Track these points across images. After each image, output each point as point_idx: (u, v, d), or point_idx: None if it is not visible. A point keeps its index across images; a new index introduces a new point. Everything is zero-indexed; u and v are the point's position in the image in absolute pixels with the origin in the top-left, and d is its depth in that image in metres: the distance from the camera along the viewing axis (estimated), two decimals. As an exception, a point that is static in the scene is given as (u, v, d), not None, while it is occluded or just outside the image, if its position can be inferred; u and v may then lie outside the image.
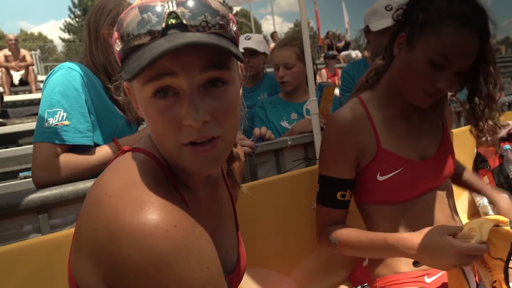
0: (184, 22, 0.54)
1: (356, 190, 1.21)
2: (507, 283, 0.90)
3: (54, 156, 1.19)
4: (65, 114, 1.21)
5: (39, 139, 1.20)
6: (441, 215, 1.16)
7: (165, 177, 0.63)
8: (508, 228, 0.87)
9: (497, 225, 0.89)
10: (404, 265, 1.17)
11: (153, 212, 0.52)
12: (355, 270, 1.55)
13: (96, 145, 1.29)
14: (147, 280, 0.51)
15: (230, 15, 0.60)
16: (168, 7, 0.54)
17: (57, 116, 1.20)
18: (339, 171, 1.14)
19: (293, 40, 2.04)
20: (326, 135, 1.20)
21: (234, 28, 0.61)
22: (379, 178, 1.12)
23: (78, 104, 1.24)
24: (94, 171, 1.25)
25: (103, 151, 1.27)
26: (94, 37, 1.36)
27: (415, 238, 0.97)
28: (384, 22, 2.03)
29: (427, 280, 1.14)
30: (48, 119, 1.20)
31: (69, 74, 1.25)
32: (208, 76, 0.56)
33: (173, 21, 0.55)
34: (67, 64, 1.29)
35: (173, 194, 0.60)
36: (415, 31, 1.04)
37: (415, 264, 1.00)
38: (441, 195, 1.18)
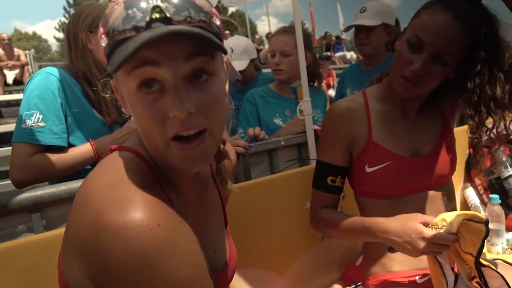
0: (168, 15, 0.55)
1: (351, 181, 1.25)
2: (481, 280, 0.91)
3: (29, 156, 1.24)
4: (41, 116, 1.27)
5: (16, 140, 1.26)
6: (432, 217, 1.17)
7: (152, 176, 0.63)
8: (480, 225, 0.88)
9: (470, 219, 0.90)
10: (397, 264, 1.18)
11: (138, 211, 0.53)
12: (347, 270, 1.56)
13: (72, 146, 1.35)
14: (131, 277, 0.51)
15: (213, 10, 0.60)
16: (152, 1, 0.55)
17: (33, 118, 1.26)
18: (330, 157, 1.19)
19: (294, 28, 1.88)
20: (323, 124, 1.25)
21: (218, 23, 0.61)
22: (367, 169, 1.16)
23: (54, 107, 1.30)
24: (69, 171, 1.31)
25: (77, 150, 1.33)
26: (74, 45, 1.42)
27: (388, 222, 1.02)
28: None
29: (419, 280, 1.15)
30: (25, 121, 1.26)
31: (47, 79, 1.32)
32: (192, 66, 0.57)
33: (157, 15, 0.55)
34: (47, 69, 1.36)
35: (159, 193, 0.60)
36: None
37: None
38: (436, 196, 1.17)
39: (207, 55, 0.58)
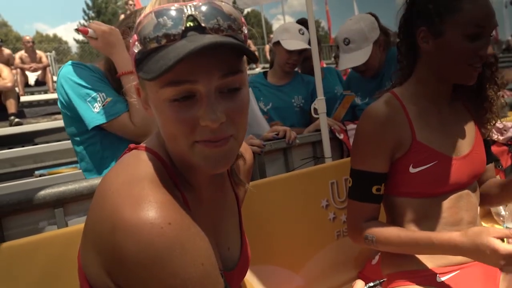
0: (203, 24, 0.57)
1: (388, 183, 1.19)
2: None
3: (124, 126, 1.27)
4: (101, 94, 1.28)
5: (101, 122, 1.26)
6: (465, 214, 1.15)
7: (168, 176, 0.65)
8: None
9: None
10: (415, 262, 1.16)
11: (150, 210, 0.56)
12: (364, 268, 1.56)
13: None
14: (143, 272, 0.54)
15: (242, 19, 0.62)
16: (187, 10, 0.57)
17: (98, 99, 1.27)
18: (376, 165, 1.13)
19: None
20: (362, 129, 1.18)
21: (246, 31, 0.63)
22: (412, 170, 1.11)
23: (101, 81, 1.31)
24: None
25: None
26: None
27: (462, 240, 0.97)
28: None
29: (439, 279, 1.13)
30: (94, 106, 1.27)
31: (76, 67, 1.32)
32: (225, 82, 0.59)
33: (191, 23, 0.57)
34: (66, 64, 1.37)
35: (173, 192, 0.63)
36: (435, 20, 1.08)
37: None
38: (468, 194, 1.17)
39: (239, 72, 0.60)
